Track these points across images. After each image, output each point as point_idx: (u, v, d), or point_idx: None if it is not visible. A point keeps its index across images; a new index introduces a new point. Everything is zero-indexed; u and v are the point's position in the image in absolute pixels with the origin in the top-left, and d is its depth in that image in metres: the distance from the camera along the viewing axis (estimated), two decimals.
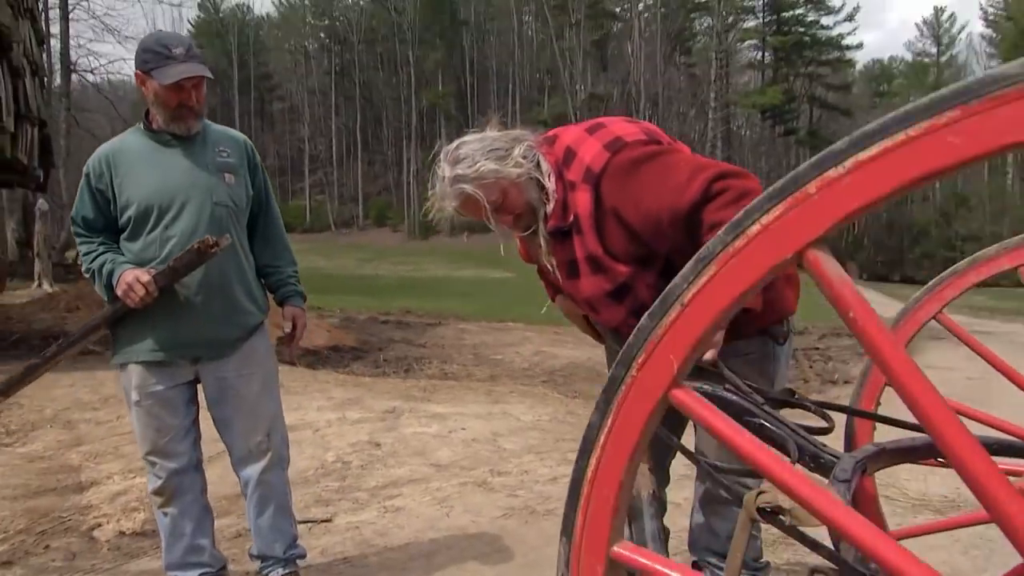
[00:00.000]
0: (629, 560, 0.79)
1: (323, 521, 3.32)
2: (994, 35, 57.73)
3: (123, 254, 2.37)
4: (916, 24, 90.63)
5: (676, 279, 0.71)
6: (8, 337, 7.90)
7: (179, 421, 2.44)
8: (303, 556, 2.66)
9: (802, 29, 56.37)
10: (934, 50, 62.46)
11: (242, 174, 2.49)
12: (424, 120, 61.48)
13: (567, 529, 0.84)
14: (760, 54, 58.98)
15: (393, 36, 61.34)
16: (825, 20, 56.11)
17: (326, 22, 67.39)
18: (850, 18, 56.18)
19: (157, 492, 2.47)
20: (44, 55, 13.12)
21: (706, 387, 1.44)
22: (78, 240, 2.46)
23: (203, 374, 2.45)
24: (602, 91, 57.67)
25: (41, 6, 13.20)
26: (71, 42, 25.05)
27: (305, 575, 2.76)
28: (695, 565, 2.19)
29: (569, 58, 56.95)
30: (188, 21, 67.54)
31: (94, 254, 2.36)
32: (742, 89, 59.04)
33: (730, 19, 56.91)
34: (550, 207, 1.87)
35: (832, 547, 0.97)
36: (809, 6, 55.87)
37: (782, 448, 1.31)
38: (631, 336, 0.75)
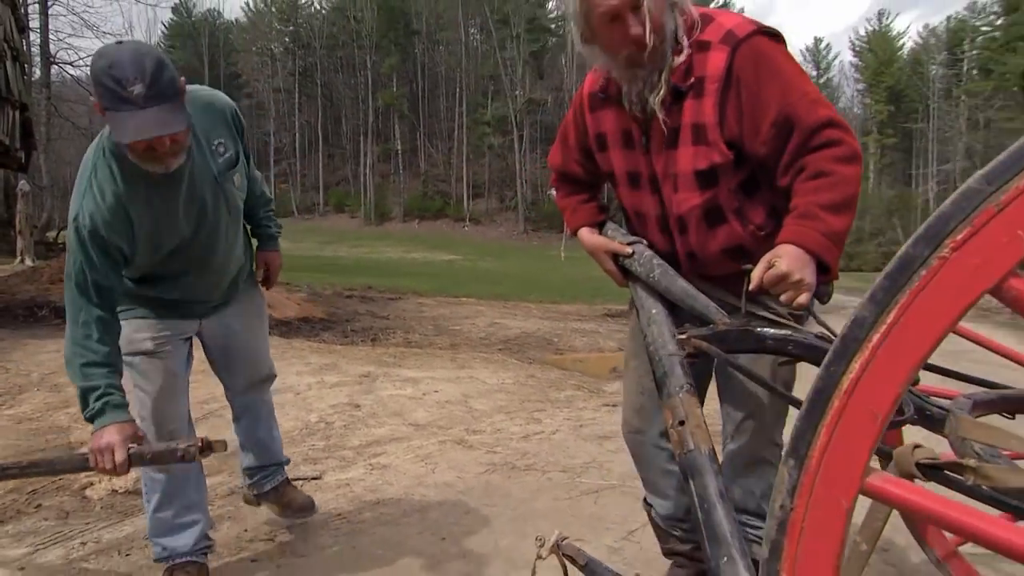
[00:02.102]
0: (899, 498, 0.57)
1: (313, 479, 3.05)
2: (860, 63, 60.64)
3: (121, 375, 1.80)
4: (800, 50, 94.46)
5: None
6: None
7: (185, 372, 2.13)
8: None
9: None
10: (815, 73, 64.66)
11: (240, 157, 1.99)
12: (380, 118, 60.97)
13: (796, 450, 0.59)
14: None
15: (352, 42, 60.53)
16: None
17: (291, 28, 65.57)
18: None
19: None
20: (24, 44, 12.11)
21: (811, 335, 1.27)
22: (74, 312, 1.75)
23: (205, 322, 2.17)
24: (539, 96, 57.46)
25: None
26: (51, 36, 23.34)
27: (301, 531, 2.51)
28: None
29: (510, 66, 56.54)
30: (162, 23, 64.78)
31: (92, 363, 1.73)
32: None
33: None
34: (679, 59, 1.48)
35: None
36: None
37: None
38: (956, 198, 0.51)
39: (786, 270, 1.33)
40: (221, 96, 1.98)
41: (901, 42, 62.24)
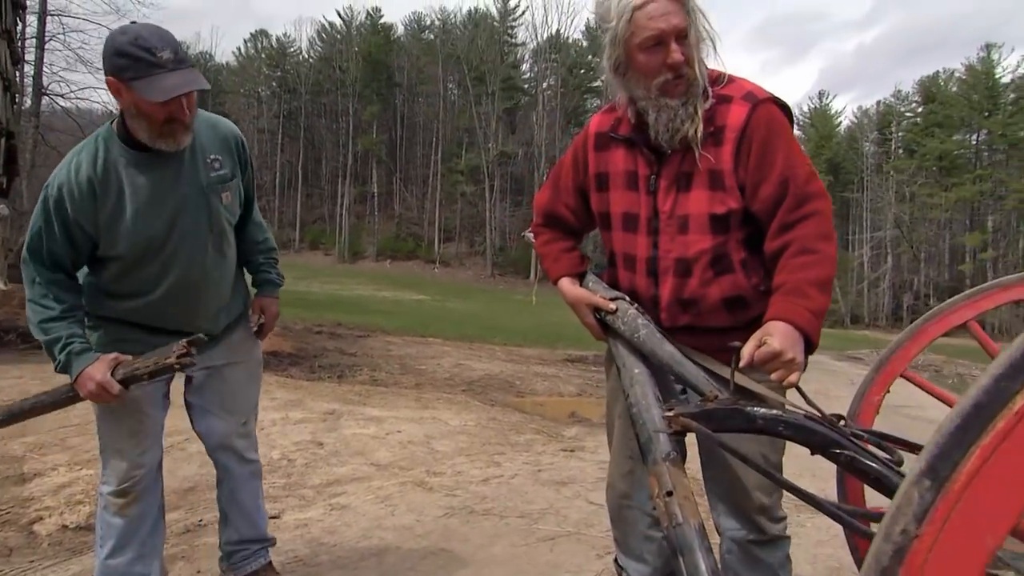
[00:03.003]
0: None
1: (272, 518, 2.90)
2: (803, 136, 63.20)
3: (82, 324, 1.75)
4: None
5: None
6: None
7: (159, 414, 1.93)
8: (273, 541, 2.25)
9: None
10: None
11: (235, 182, 1.89)
12: (358, 162, 61.15)
13: (935, 470, 0.48)
14: None
15: (336, 90, 61.05)
16: None
17: (278, 73, 65.86)
18: None
19: (119, 493, 1.86)
20: (18, 75, 11.85)
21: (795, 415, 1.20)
22: (29, 275, 1.72)
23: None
24: (510, 150, 58.36)
25: (19, 34, 11.90)
26: (45, 69, 22.90)
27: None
28: None
29: (484, 121, 57.42)
30: None
31: (50, 319, 1.69)
32: None
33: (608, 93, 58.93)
34: (706, 105, 1.46)
35: None
36: None
37: (875, 482, 1.11)
38: None
39: (779, 348, 1.28)
40: (228, 122, 1.93)
41: (839, 120, 65.02)
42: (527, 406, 6.89)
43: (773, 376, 1.30)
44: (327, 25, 64.95)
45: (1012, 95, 55.23)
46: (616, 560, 1.81)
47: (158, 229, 1.74)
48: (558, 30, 62.31)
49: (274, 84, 65.85)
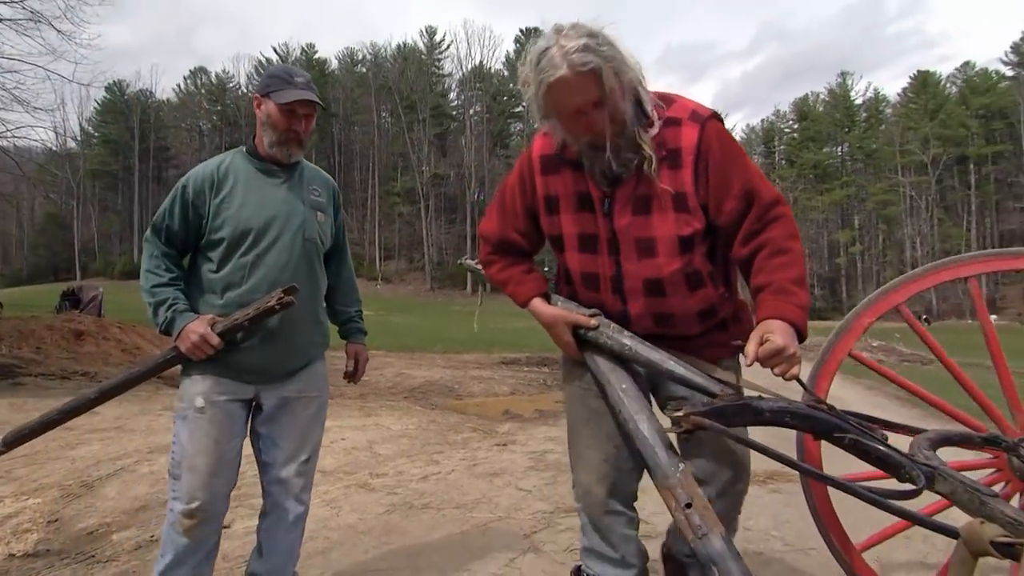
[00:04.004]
0: None
1: (224, 527, 2.83)
2: None
3: (185, 294, 1.81)
4: None
5: None
6: None
7: (238, 437, 1.82)
8: None
9: None
10: None
11: (329, 214, 2.00)
12: None
13: None
14: None
15: None
16: None
17: (219, 107, 63.32)
18: None
19: (188, 514, 1.73)
20: None
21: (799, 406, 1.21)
22: (148, 249, 1.84)
23: (264, 391, 1.85)
24: (442, 172, 58.26)
25: None
26: None
27: None
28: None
29: (417, 146, 57.16)
30: (95, 101, 60.81)
31: (160, 284, 1.78)
32: None
33: (535, 125, 59.79)
34: (653, 131, 1.39)
35: None
36: None
37: (880, 461, 1.14)
38: None
39: (782, 344, 1.25)
40: (329, 176, 2.11)
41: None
42: (465, 407, 6.93)
43: (776, 370, 1.27)
44: (264, 61, 63.13)
45: (864, 114, 60.14)
46: (579, 569, 1.64)
47: (259, 219, 1.83)
48: (481, 61, 62.97)
49: (215, 118, 63.51)
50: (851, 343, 1.84)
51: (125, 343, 10.69)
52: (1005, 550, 0.76)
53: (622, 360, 1.46)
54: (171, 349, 1.78)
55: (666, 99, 1.45)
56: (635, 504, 1.62)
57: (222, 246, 1.80)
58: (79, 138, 59.67)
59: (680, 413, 1.21)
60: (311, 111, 1.88)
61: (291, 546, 1.93)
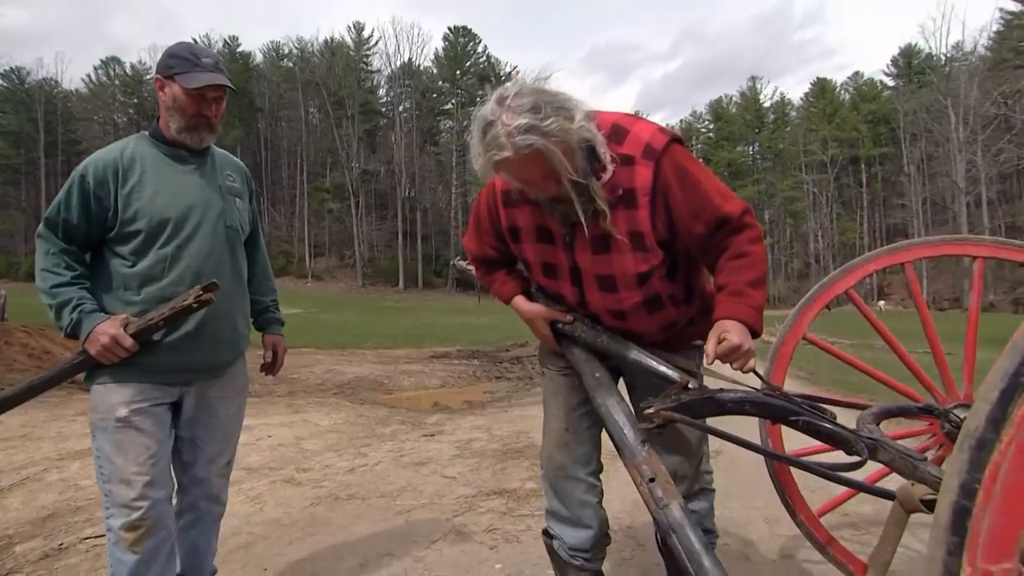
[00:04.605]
0: None
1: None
2: None
3: (91, 292, 1.65)
4: None
5: None
6: None
7: (166, 442, 1.69)
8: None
9: None
10: None
11: (245, 200, 1.90)
12: None
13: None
14: None
15: None
16: None
17: (135, 101, 59.24)
18: None
19: (130, 527, 1.58)
20: None
21: (753, 393, 1.32)
22: (43, 246, 1.67)
23: (186, 394, 1.74)
24: (372, 168, 57.13)
25: None
26: None
27: None
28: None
29: (346, 142, 55.74)
30: None
31: (61, 284, 1.62)
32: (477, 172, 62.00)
33: (464, 123, 59.67)
34: (606, 176, 1.40)
35: None
36: None
37: (830, 439, 1.25)
38: None
39: (738, 342, 1.33)
40: (239, 162, 2.00)
41: None
42: (395, 401, 6.92)
43: (734, 365, 1.36)
44: None
45: (772, 116, 64.00)
46: (546, 531, 1.76)
47: (176, 208, 1.70)
48: (410, 58, 61.98)
49: (131, 111, 59.31)
50: (802, 330, 2.02)
51: (32, 348, 9.91)
52: (932, 506, 0.88)
53: (595, 351, 1.59)
54: (79, 353, 1.64)
55: (619, 132, 1.42)
56: (599, 474, 1.72)
57: (138, 239, 1.65)
58: None
59: (651, 410, 1.28)
60: (221, 94, 1.74)
61: (209, 544, 1.89)
